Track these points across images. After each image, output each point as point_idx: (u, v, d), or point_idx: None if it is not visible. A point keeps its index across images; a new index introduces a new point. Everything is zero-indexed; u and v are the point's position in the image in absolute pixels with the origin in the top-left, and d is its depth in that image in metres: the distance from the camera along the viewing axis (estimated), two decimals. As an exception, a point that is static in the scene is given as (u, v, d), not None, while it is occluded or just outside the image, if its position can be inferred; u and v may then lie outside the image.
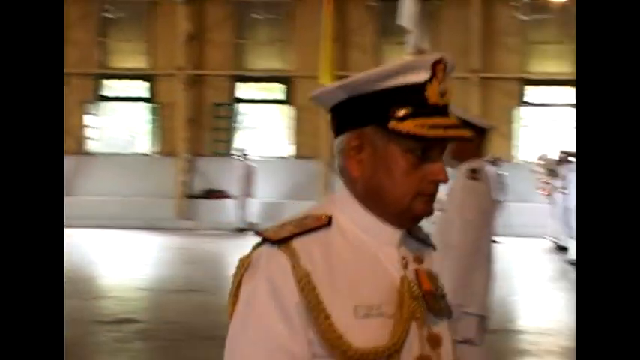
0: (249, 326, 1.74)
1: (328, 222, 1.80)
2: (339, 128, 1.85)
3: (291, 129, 19.75)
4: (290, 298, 1.72)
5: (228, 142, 19.94)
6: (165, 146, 19.87)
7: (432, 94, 1.78)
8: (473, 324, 4.67)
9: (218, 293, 11.16)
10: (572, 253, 13.01)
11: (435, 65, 1.79)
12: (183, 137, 19.48)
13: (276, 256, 1.75)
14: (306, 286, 1.72)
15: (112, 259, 14.07)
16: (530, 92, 19.28)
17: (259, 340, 1.72)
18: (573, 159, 12.74)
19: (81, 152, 19.83)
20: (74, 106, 19.24)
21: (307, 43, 18.91)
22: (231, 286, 1.81)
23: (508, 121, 18.88)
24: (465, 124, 4.93)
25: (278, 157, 19.76)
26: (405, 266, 1.84)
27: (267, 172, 18.88)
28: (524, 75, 19.09)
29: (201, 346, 7.99)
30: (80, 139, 19.91)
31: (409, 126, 1.75)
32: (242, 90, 20.17)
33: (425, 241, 1.95)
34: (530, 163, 17.62)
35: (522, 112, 19.35)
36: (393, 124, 1.76)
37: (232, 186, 18.59)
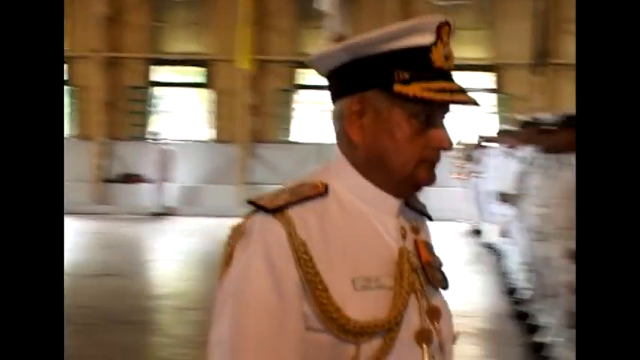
0: (241, 296, 1.66)
1: (325, 190, 1.73)
2: (338, 92, 1.79)
3: (210, 113, 19.64)
4: (285, 269, 1.65)
5: (144, 125, 19.73)
6: (82, 130, 19.57)
7: (438, 57, 1.74)
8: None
9: (135, 278, 11.09)
10: (486, 237, 13.22)
11: (440, 28, 1.74)
12: (100, 121, 19.22)
13: (271, 225, 1.67)
14: (302, 256, 1.65)
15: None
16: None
17: (250, 311, 1.64)
18: (489, 143, 12.92)
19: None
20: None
21: (225, 26, 18.80)
22: (223, 255, 1.73)
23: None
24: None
25: (197, 141, 19.63)
26: (404, 237, 1.79)
27: (187, 156, 18.75)
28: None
29: (117, 330, 7.93)
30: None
31: (415, 89, 1.70)
32: (159, 73, 19.97)
33: (421, 211, 1.90)
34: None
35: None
36: (398, 88, 1.71)
37: (149, 170, 18.42)
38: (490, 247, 12.52)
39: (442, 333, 1.77)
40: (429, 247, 1.84)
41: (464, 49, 19.12)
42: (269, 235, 1.67)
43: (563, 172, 5.95)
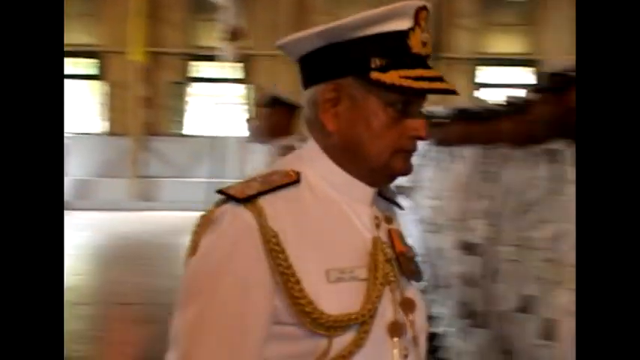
0: (205, 288, 1.60)
1: (297, 178, 1.68)
2: (311, 79, 1.74)
3: (103, 105, 19.31)
4: (254, 262, 1.59)
5: (36, 118, 19.29)
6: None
7: (415, 43, 1.68)
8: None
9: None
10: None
11: (418, 12, 1.68)
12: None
13: (241, 215, 1.61)
14: (274, 248, 1.59)
15: None
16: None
17: (213, 306, 1.59)
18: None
19: None
20: None
21: (118, 18, 18.50)
22: (190, 244, 1.67)
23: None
24: (276, 101, 4.99)
25: (90, 134, 19.28)
26: (378, 226, 1.74)
27: (79, 149, 18.39)
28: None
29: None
30: None
31: (393, 77, 1.65)
32: (50, 65, 19.53)
33: (392, 201, 1.87)
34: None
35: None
36: (375, 75, 1.65)
37: (40, 164, 18.01)
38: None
39: (416, 325, 1.74)
40: (402, 237, 1.80)
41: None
42: (239, 225, 1.61)
43: (455, 164, 6.06)
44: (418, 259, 1.82)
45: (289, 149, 4.86)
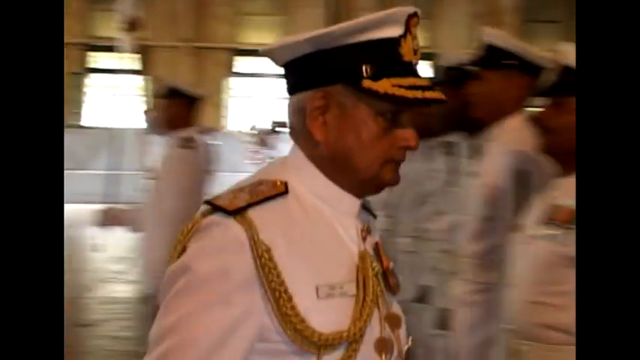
0: (184, 300, 1.52)
1: (285, 189, 1.60)
2: (298, 85, 1.66)
3: (-5, 96, 18.84)
4: (242, 278, 1.51)
5: None
6: None
7: (407, 51, 1.62)
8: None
9: None
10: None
11: (409, 20, 1.62)
12: None
13: (231, 228, 1.53)
14: (267, 263, 1.51)
15: None
16: (240, 63, 19.54)
17: (191, 317, 1.50)
18: (283, 129, 13.07)
19: None
20: None
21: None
22: (173, 253, 1.59)
23: (218, 90, 19.05)
24: (175, 92, 4.95)
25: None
26: (364, 239, 1.68)
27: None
28: (235, 45, 19.31)
29: None
30: None
31: (385, 85, 1.58)
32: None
33: (370, 211, 1.79)
34: (240, 132, 17.91)
35: (232, 82, 19.57)
36: (367, 83, 1.58)
37: None
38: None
39: (401, 341, 1.69)
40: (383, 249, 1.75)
41: (258, 35, 19.26)
42: (228, 239, 1.53)
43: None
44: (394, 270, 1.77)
45: (188, 141, 4.83)
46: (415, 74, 1.63)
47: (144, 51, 17.08)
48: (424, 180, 4.34)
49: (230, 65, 19.30)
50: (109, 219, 4.95)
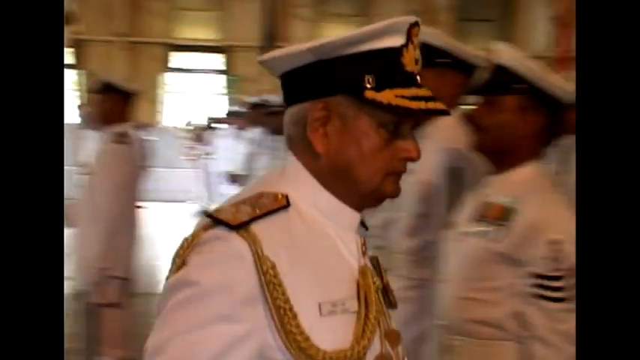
0: (183, 316, 1.47)
1: (287, 203, 1.55)
2: (297, 96, 1.61)
3: None
4: (244, 293, 1.46)
5: None
6: None
7: (408, 61, 1.58)
8: (117, 287, 4.68)
9: None
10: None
11: (410, 29, 1.59)
12: None
13: (234, 243, 1.48)
14: (272, 280, 1.46)
15: None
16: (176, 58, 19.41)
17: (190, 333, 1.45)
18: (218, 125, 13.02)
19: None
20: None
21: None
22: (172, 267, 1.53)
23: (154, 86, 18.90)
24: (110, 87, 4.91)
25: None
26: (364, 254, 1.64)
27: None
28: (170, 40, 19.17)
29: None
30: None
31: (388, 96, 1.54)
32: None
33: (363, 223, 1.72)
34: (175, 128, 17.78)
35: (168, 77, 19.43)
36: (369, 94, 1.54)
37: None
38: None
39: (400, 358, 1.65)
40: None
41: (194, 30, 19.14)
42: (231, 254, 1.48)
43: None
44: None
45: (123, 136, 4.80)
46: (417, 84, 1.59)
47: (78, 45, 16.87)
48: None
49: (165, 60, 19.13)
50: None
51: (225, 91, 19.26)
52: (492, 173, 2.62)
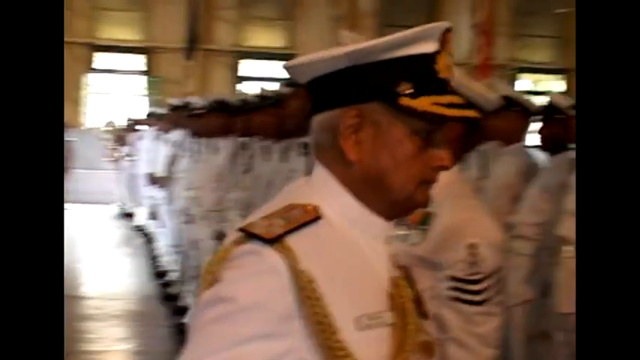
0: (221, 335, 1.41)
1: (318, 214, 1.50)
2: (325, 102, 1.57)
3: None
4: (281, 310, 1.42)
5: None
6: None
7: (442, 67, 1.55)
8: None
9: None
10: (137, 220, 13.21)
11: (444, 35, 1.56)
12: None
13: (269, 258, 1.43)
14: (311, 295, 1.42)
15: None
16: (99, 59, 19.18)
17: (229, 356, 1.40)
18: (140, 126, 12.91)
19: None
20: None
21: None
22: (202, 283, 1.48)
23: (77, 87, 18.64)
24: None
25: None
26: (395, 264, 1.60)
27: None
28: (93, 41, 18.93)
29: None
30: None
31: (424, 104, 1.51)
32: None
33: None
34: (98, 129, 17.57)
35: (91, 78, 19.19)
36: (405, 101, 1.51)
37: None
38: (140, 230, 12.53)
39: None
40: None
41: (117, 31, 18.94)
42: (266, 269, 1.43)
43: (212, 155, 6.09)
44: None
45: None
46: (450, 91, 1.57)
47: None
48: (281, 180, 4.37)
49: (89, 61, 18.90)
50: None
51: (146, 92, 19.08)
52: (412, 178, 2.64)
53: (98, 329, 7.51)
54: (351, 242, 1.54)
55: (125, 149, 14.56)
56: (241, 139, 5.49)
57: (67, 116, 16.56)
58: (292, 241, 1.45)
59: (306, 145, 4.02)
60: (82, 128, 18.32)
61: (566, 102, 4.92)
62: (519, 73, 19.64)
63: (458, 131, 2.43)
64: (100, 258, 11.29)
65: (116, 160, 15.65)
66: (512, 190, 5.01)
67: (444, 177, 2.59)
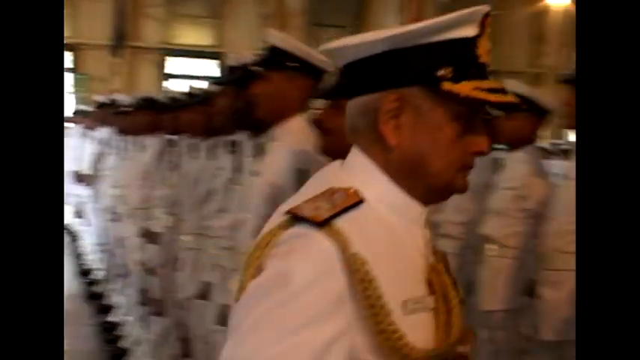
0: (275, 322, 1.36)
1: (361, 198, 1.48)
2: (364, 86, 1.55)
3: None
4: (334, 294, 1.38)
5: None
6: None
7: (483, 52, 1.53)
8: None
9: None
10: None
11: (484, 19, 1.53)
12: None
13: (320, 241, 1.40)
14: (365, 277, 1.39)
15: None
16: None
17: (282, 342, 1.34)
18: (66, 123, 12.75)
19: None
20: None
21: None
22: (246, 268, 1.45)
23: None
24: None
25: None
26: (432, 249, 1.59)
27: None
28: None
29: None
30: None
31: (467, 88, 1.50)
32: None
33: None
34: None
35: None
36: (447, 86, 1.49)
37: None
38: (65, 228, 12.38)
39: (469, 356, 1.59)
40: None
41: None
42: (317, 253, 1.40)
43: (139, 153, 6.05)
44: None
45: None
46: (487, 76, 1.55)
47: None
48: (208, 178, 4.37)
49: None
50: None
51: (72, 89, 18.86)
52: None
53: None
54: (390, 226, 1.52)
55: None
56: (168, 137, 5.47)
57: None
58: (339, 224, 1.42)
59: (233, 143, 4.03)
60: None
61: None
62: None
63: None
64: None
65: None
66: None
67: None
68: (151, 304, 5.30)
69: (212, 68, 18.89)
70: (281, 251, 1.42)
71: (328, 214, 1.42)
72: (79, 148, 9.60)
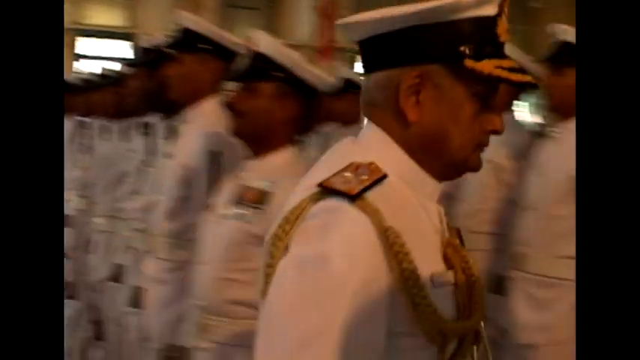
0: (314, 297, 1.34)
1: (385, 173, 1.47)
2: (384, 61, 1.54)
3: None
4: (374, 268, 1.37)
5: None
6: None
7: (502, 31, 1.54)
8: None
9: None
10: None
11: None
12: None
13: (354, 214, 1.39)
14: (400, 250, 1.38)
15: None
16: None
17: (327, 325, 1.33)
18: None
19: None
20: None
21: None
22: (274, 242, 1.44)
23: None
24: None
25: None
26: (447, 225, 1.59)
27: None
28: None
29: None
30: None
31: (488, 67, 1.50)
32: None
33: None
34: None
35: None
36: (470, 64, 1.50)
37: None
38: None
39: (483, 332, 1.60)
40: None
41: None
42: (353, 226, 1.39)
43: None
44: None
45: None
46: (506, 55, 1.56)
47: None
48: (121, 160, 4.36)
49: None
50: None
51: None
52: (250, 157, 2.70)
53: None
54: (410, 203, 1.52)
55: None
56: (80, 119, 5.42)
57: None
58: (370, 197, 1.42)
59: (146, 125, 4.02)
60: None
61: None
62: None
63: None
64: None
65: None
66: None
67: (280, 157, 2.68)
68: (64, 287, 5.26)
69: (124, 49, 18.65)
70: (313, 225, 1.41)
71: (360, 188, 1.42)
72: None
